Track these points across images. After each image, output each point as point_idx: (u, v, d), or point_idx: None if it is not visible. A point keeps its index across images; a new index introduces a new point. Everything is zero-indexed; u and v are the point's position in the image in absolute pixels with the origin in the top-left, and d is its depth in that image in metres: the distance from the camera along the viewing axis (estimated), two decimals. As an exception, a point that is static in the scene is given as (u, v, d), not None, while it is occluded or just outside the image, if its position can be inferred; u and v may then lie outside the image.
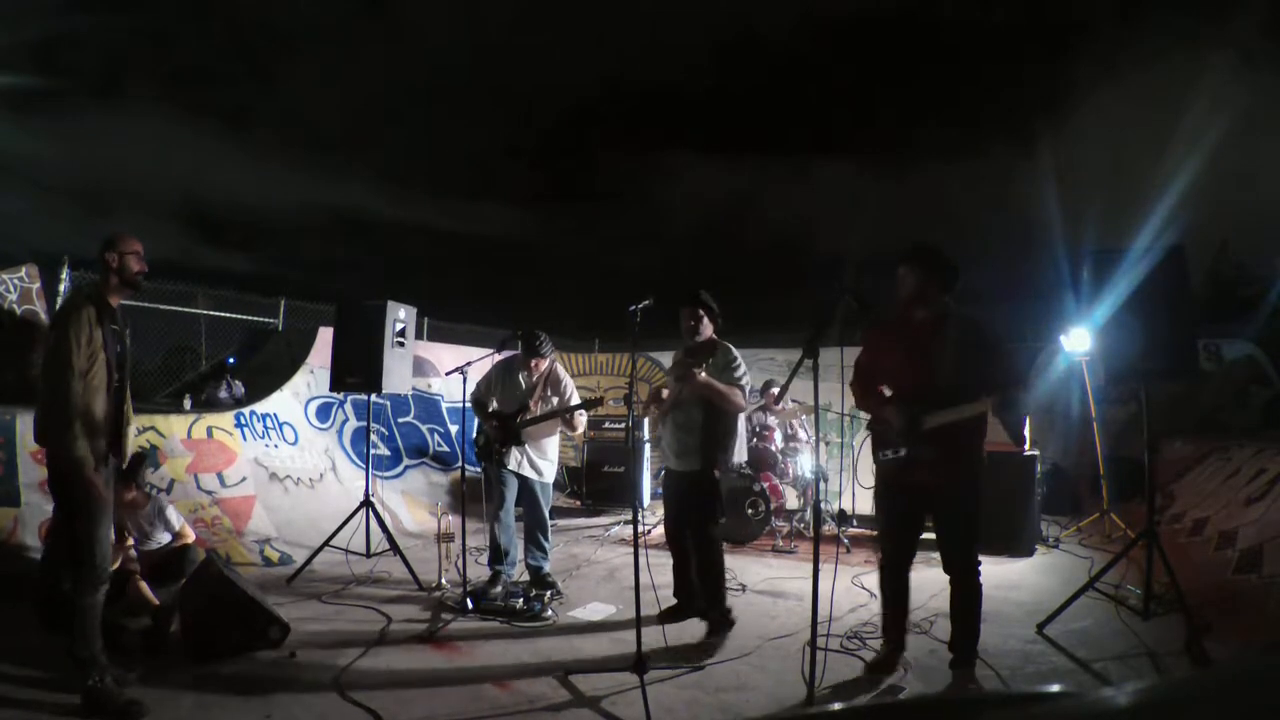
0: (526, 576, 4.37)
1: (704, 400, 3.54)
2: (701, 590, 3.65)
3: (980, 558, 3.01)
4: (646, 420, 3.78)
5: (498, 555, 4.34)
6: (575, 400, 4.36)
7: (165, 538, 4.12)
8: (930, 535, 3.03)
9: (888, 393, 3.00)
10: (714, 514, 3.60)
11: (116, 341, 2.81)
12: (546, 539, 4.37)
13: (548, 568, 4.37)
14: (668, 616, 3.64)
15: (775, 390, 6.18)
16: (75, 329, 2.64)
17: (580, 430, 4.46)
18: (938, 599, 3.94)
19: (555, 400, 4.32)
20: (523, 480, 4.33)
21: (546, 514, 4.43)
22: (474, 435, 4.62)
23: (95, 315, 2.71)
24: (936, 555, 3.01)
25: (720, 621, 3.55)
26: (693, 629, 3.61)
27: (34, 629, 3.30)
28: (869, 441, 3.15)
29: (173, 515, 4.18)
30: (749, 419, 6.72)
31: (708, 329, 3.68)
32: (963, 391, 2.78)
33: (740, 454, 3.76)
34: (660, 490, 6.05)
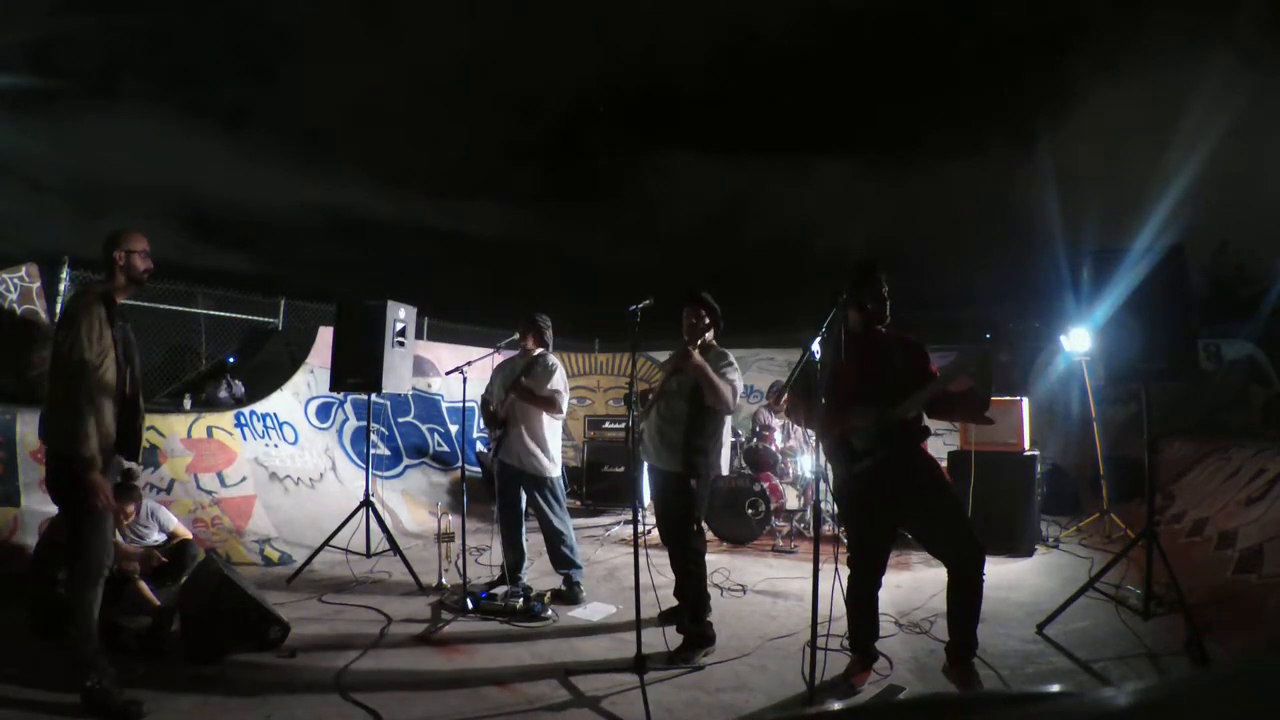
0: (530, 578, 4.34)
1: (691, 396, 3.41)
2: (680, 602, 3.52)
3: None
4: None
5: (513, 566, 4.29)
6: (556, 386, 4.15)
7: (159, 537, 4.13)
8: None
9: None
10: (692, 524, 3.43)
11: (124, 339, 2.81)
12: (569, 548, 4.16)
13: (578, 577, 4.19)
14: (668, 617, 3.63)
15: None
16: (87, 327, 2.64)
17: (561, 413, 4.22)
18: (938, 599, 3.95)
19: (542, 384, 4.15)
20: (521, 478, 4.21)
21: (558, 518, 4.18)
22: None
23: (105, 314, 2.71)
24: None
25: (696, 638, 3.32)
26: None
27: (31, 630, 3.30)
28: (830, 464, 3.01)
29: (164, 513, 4.20)
30: (752, 418, 6.73)
31: (709, 329, 3.59)
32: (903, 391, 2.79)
33: (724, 463, 3.59)
34: None
